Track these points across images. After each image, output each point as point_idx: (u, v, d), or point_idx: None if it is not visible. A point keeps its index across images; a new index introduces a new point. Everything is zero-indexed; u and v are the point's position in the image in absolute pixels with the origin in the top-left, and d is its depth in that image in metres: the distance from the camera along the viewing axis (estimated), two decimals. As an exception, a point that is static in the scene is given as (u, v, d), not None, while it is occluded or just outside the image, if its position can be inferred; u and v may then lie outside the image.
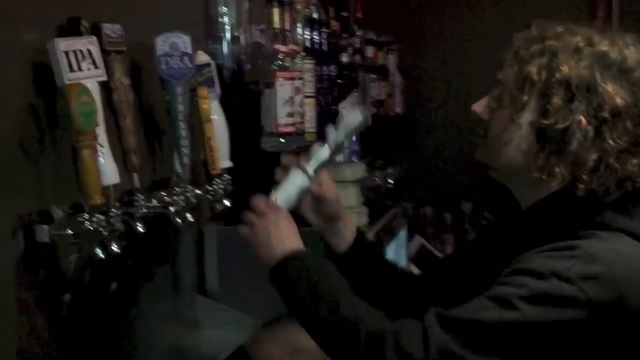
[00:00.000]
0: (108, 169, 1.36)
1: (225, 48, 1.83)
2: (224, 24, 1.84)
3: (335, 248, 1.55)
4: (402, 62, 3.41)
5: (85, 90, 1.29)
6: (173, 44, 1.54)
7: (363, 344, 1.22)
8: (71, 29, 1.38)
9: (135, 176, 1.48)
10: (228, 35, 1.84)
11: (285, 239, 1.38)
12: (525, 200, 1.31)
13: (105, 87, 1.43)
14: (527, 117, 1.26)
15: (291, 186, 1.47)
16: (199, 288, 1.99)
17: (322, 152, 1.48)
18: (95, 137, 1.31)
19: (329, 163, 1.49)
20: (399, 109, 3.32)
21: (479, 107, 1.36)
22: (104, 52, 1.43)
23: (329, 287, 1.31)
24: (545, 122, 1.23)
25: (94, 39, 1.36)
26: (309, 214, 1.53)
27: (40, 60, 1.32)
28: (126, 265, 1.54)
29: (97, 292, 1.49)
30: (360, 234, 1.58)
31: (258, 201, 1.43)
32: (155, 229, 1.50)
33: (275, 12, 1.89)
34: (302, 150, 1.92)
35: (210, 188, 1.67)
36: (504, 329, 1.15)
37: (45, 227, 1.33)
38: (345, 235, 1.55)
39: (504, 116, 1.28)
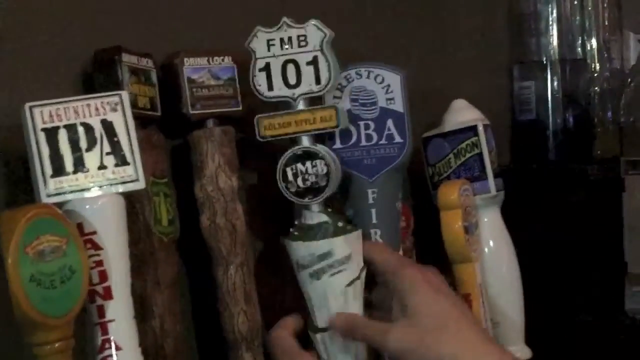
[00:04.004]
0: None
1: (549, 85, 0.91)
2: (546, 35, 0.92)
3: None
4: None
5: (50, 222, 0.51)
6: (360, 91, 0.68)
7: None
8: (105, 76, 0.62)
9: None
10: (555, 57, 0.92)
11: None
12: None
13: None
14: None
15: None
16: None
17: None
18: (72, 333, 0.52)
19: None
20: None
21: None
22: (186, 124, 0.65)
23: None
24: None
25: (121, 96, 0.57)
26: None
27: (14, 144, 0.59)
28: None
29: None
30: None
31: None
32: None
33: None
34: None
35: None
36: None
37: None
38: None
39: None
